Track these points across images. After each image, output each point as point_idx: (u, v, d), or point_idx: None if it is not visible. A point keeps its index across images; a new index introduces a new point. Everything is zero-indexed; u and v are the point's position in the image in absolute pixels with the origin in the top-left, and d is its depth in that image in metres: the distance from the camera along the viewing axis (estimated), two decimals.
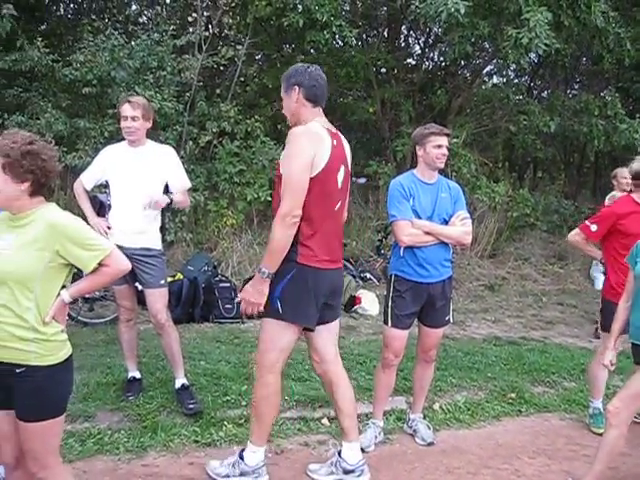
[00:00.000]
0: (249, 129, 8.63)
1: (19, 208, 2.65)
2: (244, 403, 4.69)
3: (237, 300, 3.84)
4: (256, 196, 8.17)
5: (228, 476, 3.78)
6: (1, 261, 2.60)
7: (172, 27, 9.02)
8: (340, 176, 3.59)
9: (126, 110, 4.50)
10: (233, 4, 8.74)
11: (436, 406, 5.00)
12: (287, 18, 8.84)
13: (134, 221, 4.45)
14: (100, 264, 2.65)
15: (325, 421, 4.64)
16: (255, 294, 3.48)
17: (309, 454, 4.23)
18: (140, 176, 4.46)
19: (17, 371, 2.61)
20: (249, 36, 9.35)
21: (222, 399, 4.72)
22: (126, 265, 2.77)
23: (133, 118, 4.48)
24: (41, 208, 2.68)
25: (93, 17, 10.40)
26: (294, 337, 3.64)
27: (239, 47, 9.13)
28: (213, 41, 9.27)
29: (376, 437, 4.38)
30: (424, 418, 4.65)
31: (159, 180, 4.52)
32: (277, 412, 3.83)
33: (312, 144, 3.40)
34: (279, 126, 11.16)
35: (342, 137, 3.71)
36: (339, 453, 3.91)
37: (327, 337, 3.79)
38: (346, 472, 3.86)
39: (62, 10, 12.43)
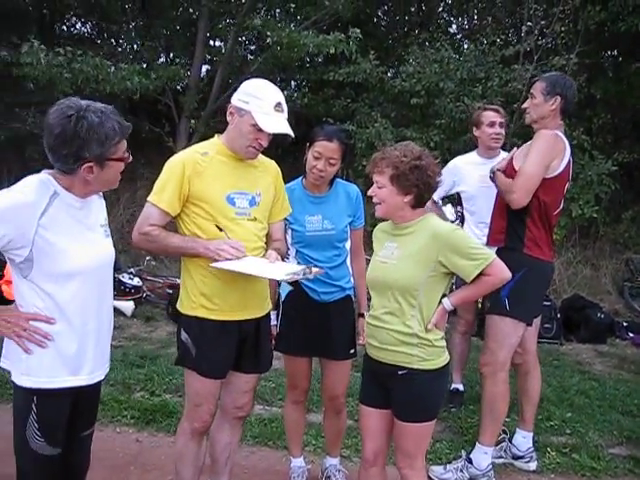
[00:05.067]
0: (575, 142, 8.21)
1: (401, 218, 2.78)
2: (568, 431, 4.51)
3: None
4: (581, 212, 7.72)
5: None
6: (386, 270, 2.75)
7: (500, 37, 8.95)
8: (566, 186, 3.80)
9: (493, 117, 4.56)
10: (568, 11, 8.40)
11: None
12: (624, 23, 8.30)
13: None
14: (481, 273, 2.66)
15: None
16: None
17: None
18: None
19: (399, 373, 2.72)
20: (579, 44, 8.92)
21: (545, 424, 4.57)
22: (507, 274, 2.73)
23: (500, 124, 4.53)
24: (423, 219, 2.78)
25: (406, 29, 10.65)
26: (522, 332, 3.74)
27: (569, 55, 8.72)
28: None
29: None
30: None
31: None
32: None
33: (556, 149, 3.60)
34: (593, 138, 10.49)
35: None
36: (509, 439, 4.08)
37: (532, 330, 3.91)
38: (515, 458, 4.05)
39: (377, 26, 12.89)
